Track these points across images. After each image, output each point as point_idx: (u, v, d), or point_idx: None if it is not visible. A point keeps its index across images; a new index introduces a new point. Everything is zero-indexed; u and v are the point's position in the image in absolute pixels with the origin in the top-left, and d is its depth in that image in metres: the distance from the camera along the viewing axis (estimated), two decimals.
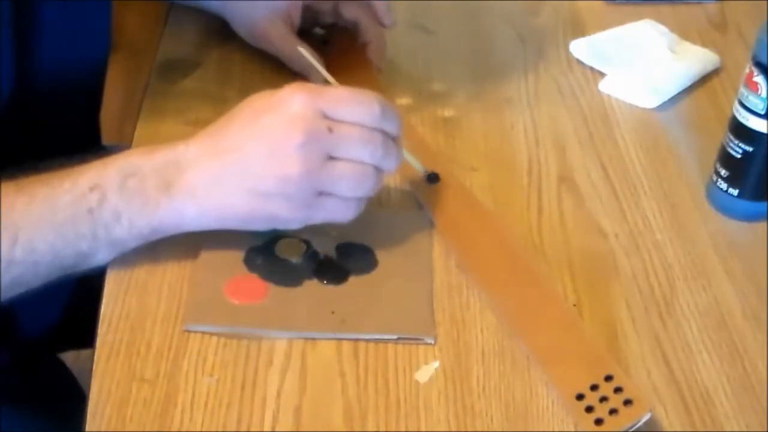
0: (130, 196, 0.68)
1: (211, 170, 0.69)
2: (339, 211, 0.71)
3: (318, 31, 0.98)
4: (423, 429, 0.65)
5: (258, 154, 0.68)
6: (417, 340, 0.70)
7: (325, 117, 0.68)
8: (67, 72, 0.81)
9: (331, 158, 0.69)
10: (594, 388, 0.67)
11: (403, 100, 0.93)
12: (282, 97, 0.69)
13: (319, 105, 0.68)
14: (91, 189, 0.68)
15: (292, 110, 0.68)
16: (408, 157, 0.78)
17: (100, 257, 0.70)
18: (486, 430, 0.65)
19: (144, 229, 0.69)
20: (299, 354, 0.69)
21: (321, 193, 0.69)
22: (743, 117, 0.80)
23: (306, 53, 0.85)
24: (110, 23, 0.85)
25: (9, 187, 0.68)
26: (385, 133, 0.71)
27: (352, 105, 0.70)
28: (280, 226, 0.72)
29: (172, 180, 0.69)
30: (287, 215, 0.70)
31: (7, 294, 0.68)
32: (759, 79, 0.77)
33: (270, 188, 0.68)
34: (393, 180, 0.84)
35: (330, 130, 0.68)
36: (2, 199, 0.67)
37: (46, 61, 0.79)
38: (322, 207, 0.70)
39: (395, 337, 0.70)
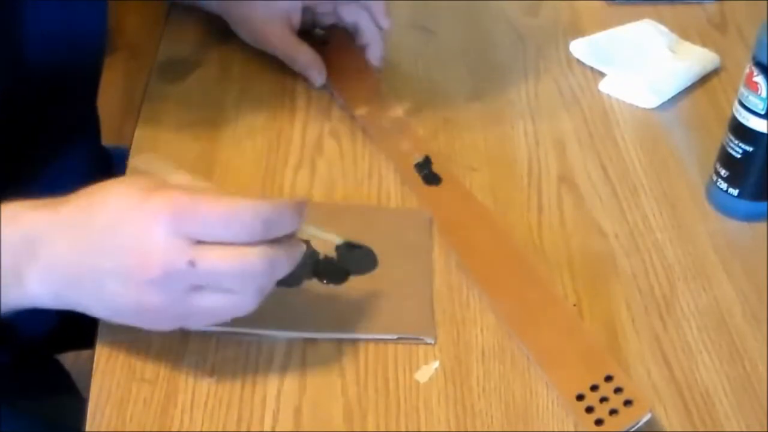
0: None
1: (66, 275, 0.62)
2: (217, 317, 0.64)
3: (318, 31, 0.98)
4: (423, 429, 0.65)
5: (114, 274, 0.60)
6: (417, 340, 0.70)
7: (194, 242, 0.59)
8: (60, 73, 0.81)
9: (199, 288, 0.61)
10: (594, 388, 0.67)
11: (403, 100, 0.93)
12: (147, 215, 0.60)
13: (186, 229, 0.59)
14: None
15: (151, 237, 0.59)
16: (318, 232, 0.69)
17: None
18: (486, 430, 0.65)
19: None
20: (299, 354, 0.69)
21: (191, 307, 0.62)
22: (743, 117, 0.80)
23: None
24: (106, 22, 0.85)
25: None
26: (267, 248, 0.61)
27: (225, 224, 0.60)
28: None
29: (23, 272, 0.62)
30: (155, 329, 0.65)
31: None
32: (759, 79, 0.77)
33: (128, 315, 0.63)
34: (393, 180, 0.84)
35: (192, 264, 0.59)
36: None
37: (37, 61, 0.78)
38: (196, 321, 0.64)
39: (395, 337, 0.70)
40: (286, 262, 0.63)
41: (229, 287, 0.61)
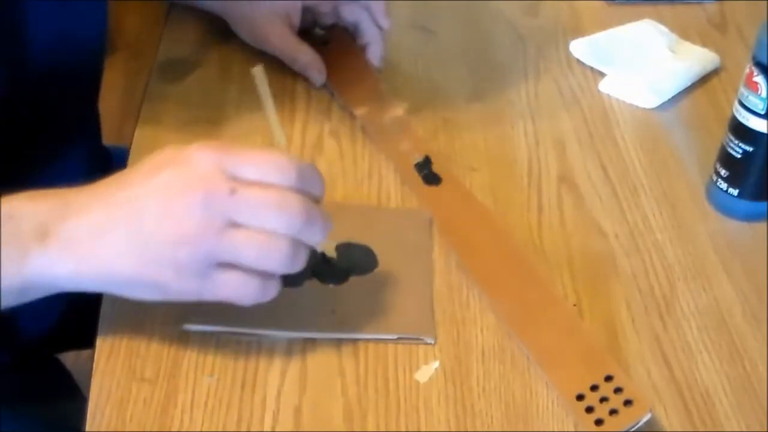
0: (1, 241, 0.60)
1: (96, 221, 0.61)
2: (238, 288, 0.62)
3: (318, 31, 0.98)
4: (423, 429, 0.65)
5: (151, 211, 0.60)
6: (417, 340, 0.70)
7: (233, 178, 0.60)
8: (61, 72, 0.81)
9: (235, 224, 0.60)
10: (594, 388, 0.67)
11: (403, 100, 0.93)
12: (186, 154, 0.61)
13: (226, 164, 0.60)
14: None
15: (194, 168, 0.60)
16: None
17: None
18: (486, 430, 0.65)
19: (14, 279, 0.61)
20: (299, 354, 0.69)
21: (219, 265, 0.61)
22: (743, 117, 0.80)
23: (260, 81, 0.75)
24: (106, 23, 0.85)
25: None
26: (306, 199, 0.62)
27: (263, 165, 0.61)
28: (171, 297, 0.63)
29: (51, 228, 0.60)
30: (176, 285, 0.61)
31: None
32: (759, 79, 0.77)
33: (160, 250, 0.60)
34: (393, 180, 0.84)
35: (232, 191, 0.60)
36: None
37: (38, 61, 0.78)
38: (219, 281, 0.61)
39: (395, 337, 0.70)
40: (321, 220, 0.62)
41: (265, 225, 0.60)
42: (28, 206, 0.61)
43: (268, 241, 0.61)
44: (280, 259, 0.61)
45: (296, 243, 0.62)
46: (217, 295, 0.62)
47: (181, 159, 0.61)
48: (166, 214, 0.60)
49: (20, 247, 0.60)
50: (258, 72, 0.75)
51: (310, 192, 0.63)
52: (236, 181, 0.60)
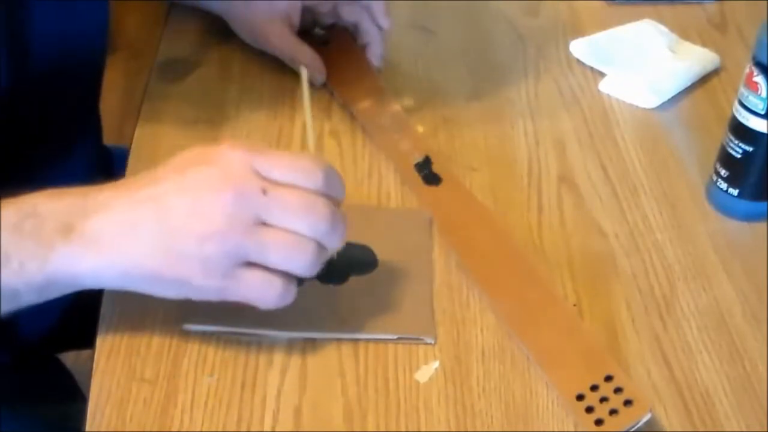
0: (23, 237, 0.60)
1: (122, 218, 0.61)
2: (262, 289, 0.62)
3: (318, 31, 0.98)
4: (423, 429, 0.65)
5: (179, 208, 0.60)
6: (417, 340, 0.70)
7: (262, 178, 0.61)
8: (62, 72, 0.81)
9: (263, 224, 0.61)
10: (594, 388, 0.67)
11: (403, 100, 0.93)
12: (217, 152, 0.62)
13: (257, 163, 0.61)
14: None
15: (225, 166, 0.61)
16: None
17: None
18: (486, 430, 0.65)
19: (36, 275, 0.61)
20: (299, 354, 0.69)
21: (245, 264, 0.62)
22: (743, 117, 0.80)
23: (304, 76, 0.76)
24: (107, 23, 0.85)
25: None
26: (331, 203, 0.63)
27: (292, 167, 0.62)
28: (193, 295, 0.63)
29: (74, 224, 0.60)
30: (201, 281, 0.61)
31: None
32: (759, 79, 0.77)
33: (187, 247, 0.60)
34: (393, 180, 0.84)
35: (264, 191, 0.61)
36: None
37: (40, 61, 0.79)
38: (244, 280, 0.62)
39: (395, 337, 0.70)
40: (342, 226, 0.64)
41: (293, 226, 0.61)
42: (50, 204, 0.61)
43: (296, 242, 0.61)
44: (305, 262, 0.62)
45: (320, 247, 0.63)
46: (239, 295, 0.62)
47: (212, 157, 0.62)
48: (196, 211, 0.60)
49: (43, 245, 0.60)
50: (304, 72, 0.75)
51: (334, 196, 0.64)
52: (267, 181, 0.61)
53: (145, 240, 0.61)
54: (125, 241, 0.61)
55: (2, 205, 0.61)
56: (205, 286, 0.62)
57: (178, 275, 0.61)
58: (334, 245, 0.64)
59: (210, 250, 0.60)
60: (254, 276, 0.62)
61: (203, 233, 0.60)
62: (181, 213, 0.60)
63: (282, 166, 0.62)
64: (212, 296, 0.63)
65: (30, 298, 0.62)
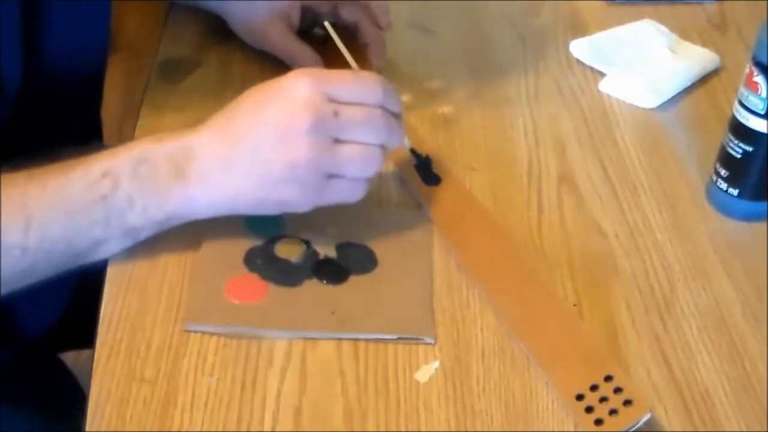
0: (143, 182, 0.69)
1: (221, 158, 0.70)
2: (348, 192, 0.72)
3: (318, 31, 0.97)
4: (423, 429, 0.65)
5: (267, 141, 0.69)
6: (417, 340, 0.70)
7: (330, 100, 0.69)
8: (69, 69, 0.81)
9: (338, 141, 0.69)
10: (594, 388, 0.67)
11: (403, 100, 0.92)
12: (287, 84, 0.70)
13: (324, 88, 0.69)
14: (104, 175, 0.68)
15: (298, 96, 0.69)
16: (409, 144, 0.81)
17: (113, 246, 0.70)
18: (486, 430, 0.65)
19: (158, 215, 0.70)
20: (299, 354, 0.69)
21: (329, 176, 0.70)
22: (743, 117, 0.80)
23: (332, 31, 0.84)
24: (110, 20, 0.85)
25: (20, 177, 0.68)
26: (387, 112, 0.72)
27: (355, 87, 0.71)
28: (291, 210, 0.72)
29: (183, 167, 0.69)
30: (298, 199, 0.70)
31: (21, 282, 0.68)
32: (759, 79, 0.77)
33: (280, 174, 0.69)
34: (393, 180, 0.84)
35: (336, 114, 0.69)
36: (14, 189, 0.67)
37: (49, 58, 0.79)
38: (332, 189, 0.71)
39: (395, 337, 0.70)
40: (398, 130, 0.73)
41: (362, 138, 0.70)
42: (157, 149, 0.70)
43: (368, 152, 0.71)
44: (375, 166, 0.72)
45: (382, 149, 0.72)
46: (332, 200, 0.72)
47: (283, 90, 0.69)
48: (281, 143, 0.68)
49: (161, 188, 0.69)
50: (328, 26, 0.85)
51: (391, 108, 0.72)
52: (335, 103, 0.69)
53: (244, 175, 0.69)
54: (227, 176, 0.70)
55: (110, 153, 0.69)
56: (301, 202, 0.71)
57: (277, 198, 0.70)
58: (395, 144, 0.74)
59: (301, 174, 0.69)
60: (341, 183, 0.71)
61: (292, 160, 0.68)
62: (269, 146, 0.69)
63: (345, 86, 0.70)
64: (306, 208, 0.72)
65: (149, 233, 0.71)
